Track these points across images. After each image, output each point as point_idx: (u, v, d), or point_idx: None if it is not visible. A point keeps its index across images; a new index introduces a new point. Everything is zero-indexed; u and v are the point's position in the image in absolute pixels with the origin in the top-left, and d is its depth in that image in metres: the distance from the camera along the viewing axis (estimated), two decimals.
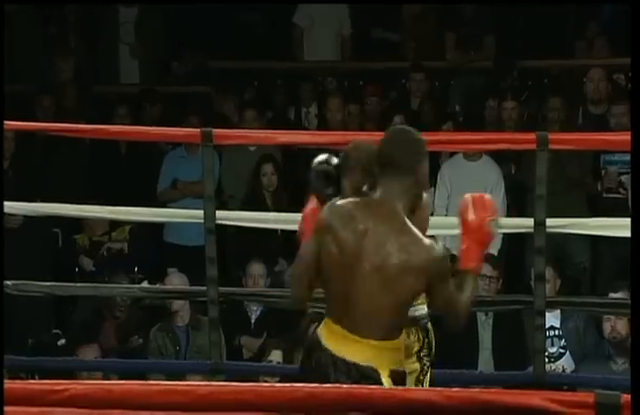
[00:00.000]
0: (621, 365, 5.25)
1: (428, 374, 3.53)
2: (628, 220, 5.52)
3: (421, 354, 3.50)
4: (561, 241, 5.75)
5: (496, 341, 5.54)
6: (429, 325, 3.53)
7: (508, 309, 4.99)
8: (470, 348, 5.48)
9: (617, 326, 5.26)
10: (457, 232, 3.43)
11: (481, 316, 5.51)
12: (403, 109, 6.91)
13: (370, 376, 3.15)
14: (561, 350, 5.54)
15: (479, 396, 2.19)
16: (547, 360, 4.88)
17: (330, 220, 3.17)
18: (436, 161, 6.18)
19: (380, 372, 3.16)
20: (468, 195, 3.29)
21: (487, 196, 3.32)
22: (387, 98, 7.36)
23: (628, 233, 5.12)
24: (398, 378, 3.20)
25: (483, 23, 7.69)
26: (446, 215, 5.82)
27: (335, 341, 3.18)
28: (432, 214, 4.06)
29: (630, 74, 7.43)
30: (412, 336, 3.48)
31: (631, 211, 2.77)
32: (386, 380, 3.16)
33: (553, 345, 5.52)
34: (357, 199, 3.22)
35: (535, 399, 2.17)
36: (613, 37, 7.56)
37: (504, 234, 5.99)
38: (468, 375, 4.78)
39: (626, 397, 2.15)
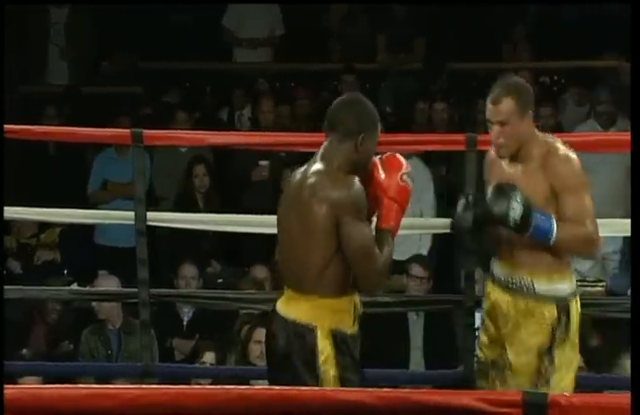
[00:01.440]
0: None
1: (561, 348, 3.46)
2: None
3: (555, 331, 3.48)
4: None
5: (427, 341, 5.59)
6: (572, 304, 3.51)
7: (438, 309, 5.04)
8: (401, 348, 5.51)
9: None
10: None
11: (412, 316, 5.54)
12: None
13: (302, 334, 3.14)
14: None
15: (410, 396, 2.21)
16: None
17: None
18: None
19: (319, 330, 3.14)
20: (376, 158, 3.26)
21: (396, 154, 3.30)
22: (319, 100, 7.38)
23: None
24: (340, 339, 3.17)
25: (413, 25, 7.75)
26: None
27: (282, 302, 3.23)
28: None
29: (556, 77, 7.58)
30: (546, 311, 3.48)
31: (631, 211, 2.81)
32: (322, 339, 3.14)
33: None
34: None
35: (465, 398, 2.20)
36: (538, 40, 7.68)
37: (434, 235, 6.04)
38: (399, 375, 4.82)
39: (554, 396, 2.19)
